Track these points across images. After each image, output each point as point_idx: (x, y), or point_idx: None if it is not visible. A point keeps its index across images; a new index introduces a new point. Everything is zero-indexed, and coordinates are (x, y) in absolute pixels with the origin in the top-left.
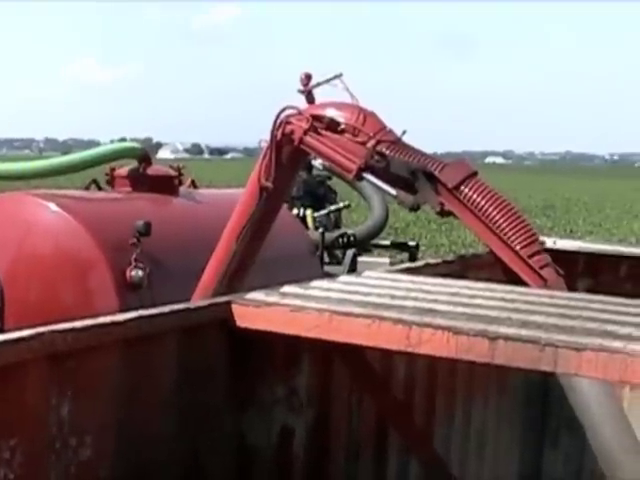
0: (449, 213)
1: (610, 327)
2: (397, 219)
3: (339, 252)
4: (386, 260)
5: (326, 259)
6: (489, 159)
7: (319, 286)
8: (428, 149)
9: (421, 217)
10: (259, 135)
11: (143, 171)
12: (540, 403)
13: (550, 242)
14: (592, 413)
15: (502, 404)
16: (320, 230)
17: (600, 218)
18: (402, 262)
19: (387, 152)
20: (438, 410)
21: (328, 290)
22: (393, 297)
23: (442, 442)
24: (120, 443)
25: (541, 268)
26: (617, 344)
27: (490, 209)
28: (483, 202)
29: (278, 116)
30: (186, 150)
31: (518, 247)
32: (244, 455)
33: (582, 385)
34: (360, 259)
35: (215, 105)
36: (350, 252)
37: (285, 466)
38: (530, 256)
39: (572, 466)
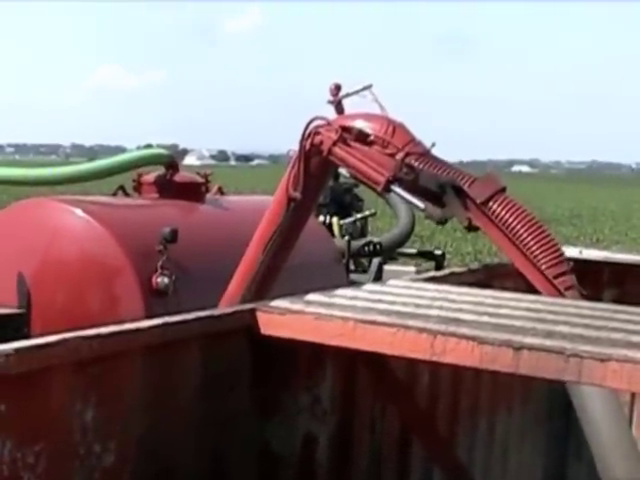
0: (476, 228)
1: (635, 338)
2: (423, 227)
3: (365, 260)
4: (412, 269)
5: (352, 267)
6: (515, 168)
7: (344, 294)
8: (454, 157)
9: (446, 225)
10: (284, 142)
11: (170, 178)
12: (564, 413)
13: (576, 252)
14: (594, 420)
15: (526, 414)
16: (346, 238)
17: (627, 227)
18: (428, 271)
19: (416, 165)
20: (462, 419)
21: (353, 298)
22: (418, 306)
23: (465, 451)
24: (143, 449)
25: (566, 290)
26: None
27: (518, 226)
28: (511, 219)
29: (307, 126)
30: (212, 156)
31: (544, 267)
32: (267, 462)
33: (586, 392)
34: (386, 267)
35: (241, 112)
36: (376, 260)
37: (308, 474)
38: (555, 277)
39: (596, 477)
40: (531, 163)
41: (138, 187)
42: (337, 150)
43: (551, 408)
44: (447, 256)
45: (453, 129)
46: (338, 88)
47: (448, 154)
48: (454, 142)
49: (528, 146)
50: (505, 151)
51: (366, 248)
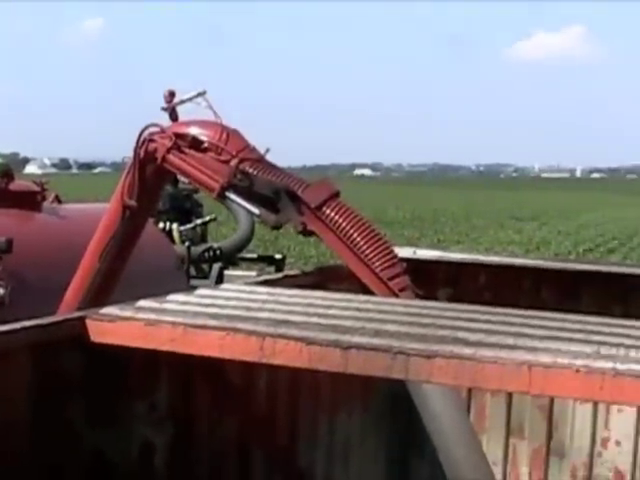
0: (311, 233)
1: (461, 334)
2: (267, 231)
3: (206, 266)
4: (253, 274)
5: (194, 273)
6: (357, 171)
7: (175, 299)
8: (297, 162)
9: (290, 229)
10: (127, 150)
11: (5, 187)
12: (405, 413)
13: (410, 252)
14: (436, 416)
15: (367, 414)
16: (186, 244)
17: (467, 228)
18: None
19: (250, 171)
20: (302, 424)
21: (184, 303)
22: (248, 309)
23: (306, 455)
24: None
25: (400, 291)
26: (467, 351)
27: (351, 230)
28: (344, 223)
29: (141, 134)
30: (54, 165)
31: (378, 269)
32: (103, 472)
33: (426, 390)
34: (227, 272)
35: (84, 120)
36: (217, 266)
37: None
38: (390, 278)
39: (438, 473)
40: (373, 166)
41: None
42: (171, 157)
43: (392, 409)
44: (291, 260)
45: (296, 135)
46: (172, 95)
47: (292, 159)
48: (297, 147)
49: (370, 150)
50: (348, 155)
51: (206, 254)
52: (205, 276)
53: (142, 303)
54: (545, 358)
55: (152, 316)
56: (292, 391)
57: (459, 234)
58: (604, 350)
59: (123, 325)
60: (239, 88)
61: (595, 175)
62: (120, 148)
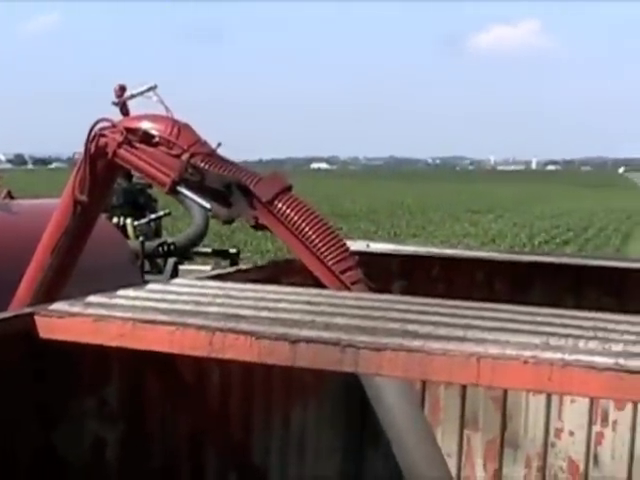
0: (263, 227)
1: (411, 327)
2: (223, 226)
3: (161, 261)
4: (208, 268)
5: (148, 268)
6: (314, 165)
7: (125, 295)
8: (253, 156)
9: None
10: (81, 146)
11: None
12: (360, 406)
13: (363, 245)
14: (389, 409)
15: (321, 408)
16: (140, 239)
17: (423, 221)
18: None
19: (201, 165)
20: (256, 418)
21: (134, 299)
22: (198, 303)
23: (260, 450)
24: None
25: (353, 284)
26: (416, 343)
27: (303, 224)
28: (296, 217)
29: (92, 128)
30: (9, 161)
31: (330, 263)
32: (55, 469)
33: (380, 383)
34: (183, 267)
35: (40, 115)
36: (171, 260)
37: (98, 478)
38: (342, 272)
39: (392, 464)
40: (329, 160)
41: None
42: (122, 152)
43: (347, 400)
44: (247, 254)
45: (252, 129)
46: (123, 89)
47: (248, 153)
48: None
49: (327, 144)
50: (304, 149)
51: (160, 248)
52: (160, 271)
53: (92, 299)
54: (494, 349)
55: (101, 311)
56: (245, 385)
57: (415, 227)
58: (553, 341)
59: (72, 321)
60: (196, 82)
61: (550, 167)
62: (76, 144)
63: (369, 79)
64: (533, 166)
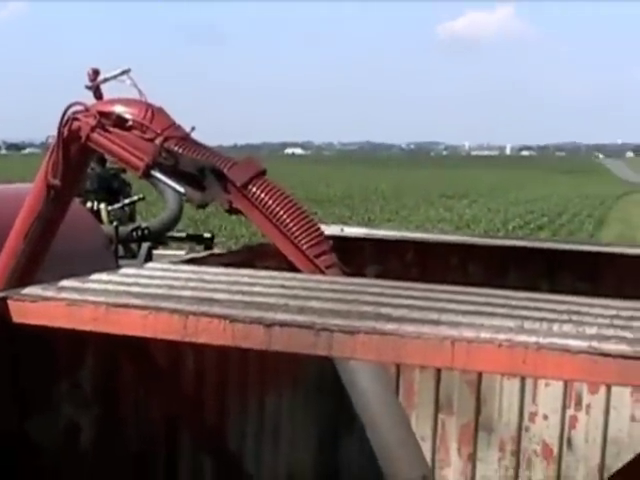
0: (237, 211)
1: (384, 310)
2: (198, 211)
3: (135, 246)
4: (183, 253)
5: (122, 253)
6: (288, 150)
7: (98, 279)
8: (228, 141)
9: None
10: (55, 130)
11: None
12: (334, 390)
13: (337, 230)
14: (363, 393)
15: (296, 394)
16: (114, 224)
17: (398, 206)
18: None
19: (175, 149)
20: (231, 402)
21: (107, 283)
22: (171, 287)
23: (235, 435)
24: None
25: (327, 268)
26: (390, 326)
27: (277, 208)
28: (270, 201)
29: (65, 112)
30: None
31: (305, 247)
32: (28, 454)
33: (354, 368)
34: (157, 252)
35: (13, 100)
36: (145, 245)
37: (72, 462)
38: (316, 256)
39: (367, 450)
40: (304, 145)
41: None
42: (95, 136)
43: (321, 386)
44: (222, 239)
45: (227, 113)
46: (96, 73)
47: (223, 138)
48: (229, 126)
49: (301, 128)
50: (279, 134)
51: (134, 233)
52: (134, 256)
53: (65, 283)
54: (468, 333)
55: (74, 296)
56: (220, 369)
57: (390, 212)
58: (527, 324)
59: (45, 305)
60: (172, 66)
61: (525, 153)
62: (50, 129)
63: (343, 64)
64: (507, 151)
